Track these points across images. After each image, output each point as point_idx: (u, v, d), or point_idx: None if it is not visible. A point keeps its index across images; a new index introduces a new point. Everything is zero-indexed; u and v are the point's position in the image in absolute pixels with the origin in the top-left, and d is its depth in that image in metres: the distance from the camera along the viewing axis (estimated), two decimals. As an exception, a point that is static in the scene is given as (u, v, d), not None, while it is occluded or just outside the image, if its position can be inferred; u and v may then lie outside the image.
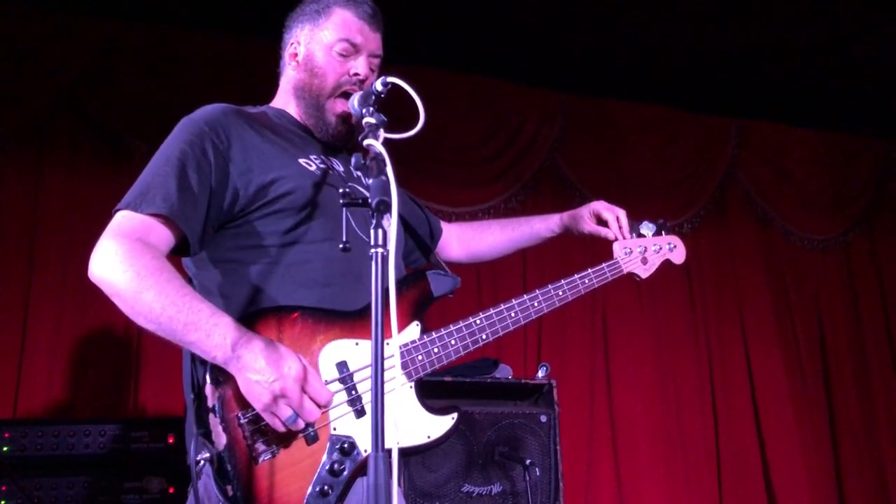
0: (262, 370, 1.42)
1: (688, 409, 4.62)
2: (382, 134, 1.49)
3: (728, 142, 5.06)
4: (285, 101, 1.89)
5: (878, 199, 5.43)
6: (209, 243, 1.65)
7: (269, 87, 1.95)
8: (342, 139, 1.83)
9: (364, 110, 1.57)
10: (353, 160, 1.42)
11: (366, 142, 1.45)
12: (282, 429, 1.45)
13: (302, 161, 1.72)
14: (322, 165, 1.75)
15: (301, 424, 1.46)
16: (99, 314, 3.51)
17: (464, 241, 2.23)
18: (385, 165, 1.35)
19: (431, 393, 2.82)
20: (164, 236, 1.55)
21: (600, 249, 2.09)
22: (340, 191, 1.37)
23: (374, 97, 1.60)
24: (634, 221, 2.09)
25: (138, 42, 3.82)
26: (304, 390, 1.44)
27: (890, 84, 4.75)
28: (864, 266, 5.34)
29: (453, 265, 2.23)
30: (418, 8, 3.87)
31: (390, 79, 1.60)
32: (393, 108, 1.71)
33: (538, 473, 2.91)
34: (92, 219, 3.52)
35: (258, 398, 1.43)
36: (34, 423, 2.89)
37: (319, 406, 1.48)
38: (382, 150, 1.40)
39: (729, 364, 4.79)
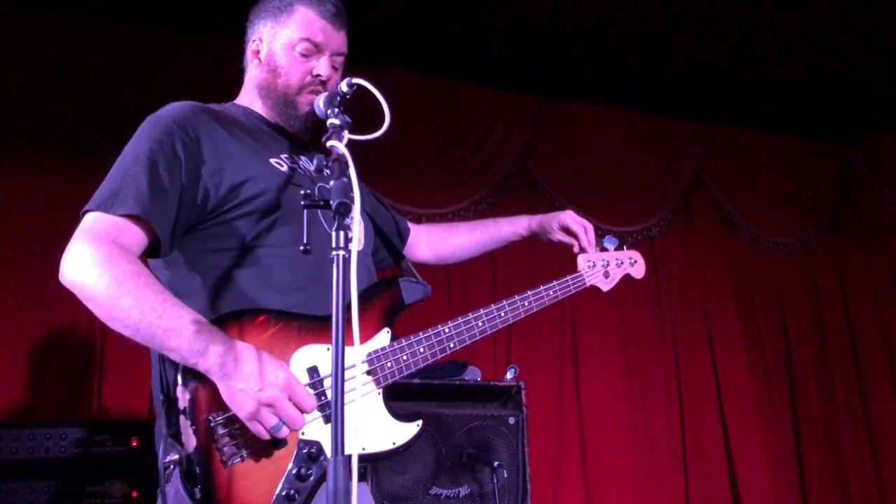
0: (247, 378, 1.40)
1: (654, 410, 4.67)
2: (346, 135, 1.47)
3: (695, 146, 5.12)
4: (250, 98, 1.85)
5: (840, 204, 5.53)
6: (178, 244, 1.61)
7: (238, 86, 1.92)
8: (314, 131, 1.78)
9: (329, 111, 1.55)
10: (314, 162, 1.40)
11: (329, 143, 1.43)
12: (266, 437, 1.44)
13: (273, 161, 1.69)
14: (292, 165, 1.72)
15: (286, 432, 1.44)
16: (60, 315, 3.45)
17: (431, 242, 2.23)
18: (347, 167, 1.34)
19: (399, 396, 2.81)
20: (136, 237, 1.51)
21: (567, 260, 2.11)
22: (302, 192, 1.35)
23: (339, 98, 1.58)
24: (598, 236, 2.11)
25: (105, 41, 3.76)
26: (289, 398, 1.43)
27: (852, 89, 4.84)
28: (826, 269, 5.44)
29: (420, 265, 2.24)
30: (389, 10, 3.86)
31: (356, 80, 1.58)
32: (363, 109, 1.70)
33: (506, 475, 2.90)
34: (54, 219, 3.48)
35: (242, 406, 1.41)
36: (-7, 427, 2.83)
37: (304, 413, 1.46)
38: (345, 151, 1.38)
39: (695, 365, 4.85)
